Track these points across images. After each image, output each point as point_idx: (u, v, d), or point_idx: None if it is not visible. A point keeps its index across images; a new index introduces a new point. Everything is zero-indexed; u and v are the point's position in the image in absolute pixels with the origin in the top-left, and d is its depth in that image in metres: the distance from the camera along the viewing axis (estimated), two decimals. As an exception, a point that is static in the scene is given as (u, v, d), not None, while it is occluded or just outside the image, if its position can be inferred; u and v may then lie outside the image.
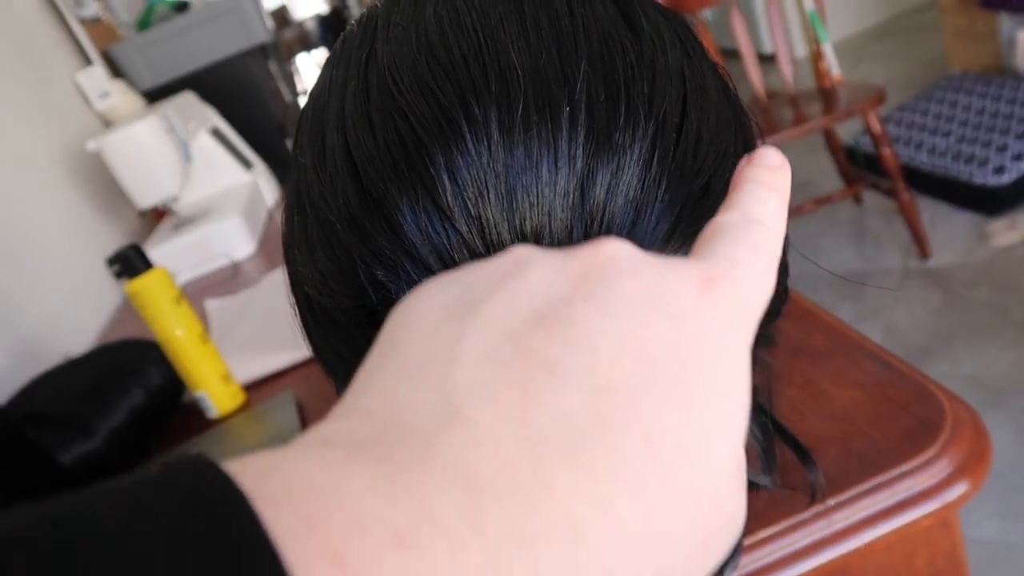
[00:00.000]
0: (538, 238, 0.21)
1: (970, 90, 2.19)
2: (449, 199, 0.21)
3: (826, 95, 1.91)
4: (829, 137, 2.12)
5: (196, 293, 1.21)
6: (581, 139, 0.22)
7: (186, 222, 1.39)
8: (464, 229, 0.21)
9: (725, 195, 0.24)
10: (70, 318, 1.22)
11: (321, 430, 0.15)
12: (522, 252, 0.18)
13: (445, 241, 0.21)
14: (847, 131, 2.39)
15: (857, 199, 2.22)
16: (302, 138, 0.27)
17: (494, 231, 0.21)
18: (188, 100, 1.61)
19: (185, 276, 1.30)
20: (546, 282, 0.17)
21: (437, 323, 0.17)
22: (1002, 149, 1.94)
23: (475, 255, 0.22)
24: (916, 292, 1.79)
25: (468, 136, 0.21)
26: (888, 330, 1.72)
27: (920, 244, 1.88)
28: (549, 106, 0.22)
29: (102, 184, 1.46)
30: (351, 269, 0.23)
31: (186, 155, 1.38)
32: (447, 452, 0.14)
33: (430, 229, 0.21)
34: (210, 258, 1.32)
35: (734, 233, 0.19)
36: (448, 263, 0.22)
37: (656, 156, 0.22)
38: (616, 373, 0.15)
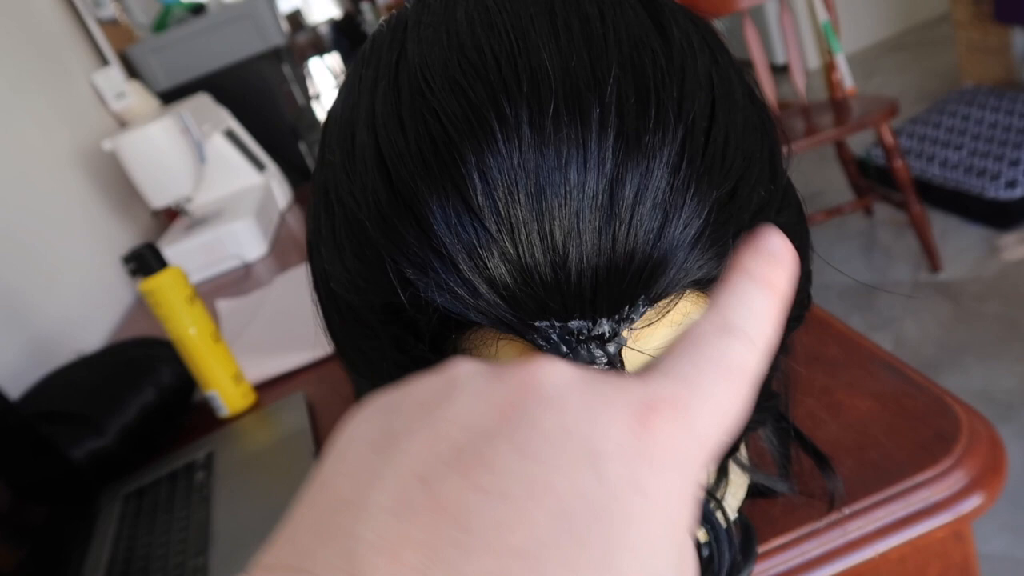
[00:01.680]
0: (565, 240, 0.22)
1: (983, 104, 2.18)
2: (479, 198, 0.21)
3: (838, 106, 1.90)
4: (841, 148, 2.12)
5: (208, 294, 1.22)
6: (611, 141, 0.22)
7: (199, 223, 1.39)
8: (493, 228, 0.21)
9: (751, 200, 0.24)
10: (83, 316, 1.22)
11: None
12: (458, 370, 0.18)
13: (474, 239, 0.22)
14: (859, 143, 2.39)
15: (868, 211, 2.21)
16: (330, 137, 0.27)
17: (523, 231, 0.21)
18: (203, 102, 1.62)
19: (197, 277, 1.31)
20: (472, 410, 0.16)
21: (361, 456, 0.16)
22: (1014, 163, 1.93)
23: (504, 255, 0.22)
24: (926, 305, 1.78)
25: (499, 136, 0.22)
26: (898, 342, 1.71)
27: (931, 257, 1.87)
28: (579, 108, 0.22)
29: (116, 184, 1.47)
30: (380, 267, 0.23)
31: (200, 156, 1.39)
32: None
33: (459, 227, 0.22)
34: (222, 259, 1.33)
35: (702, 347, 0.17)
36: (476, 262, 0.22)
37: (685, 159, 0.22)
38: (527, 532, 0.14)
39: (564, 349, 0.22)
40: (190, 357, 0.78)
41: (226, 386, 0.79)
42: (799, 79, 1.96)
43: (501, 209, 0.21)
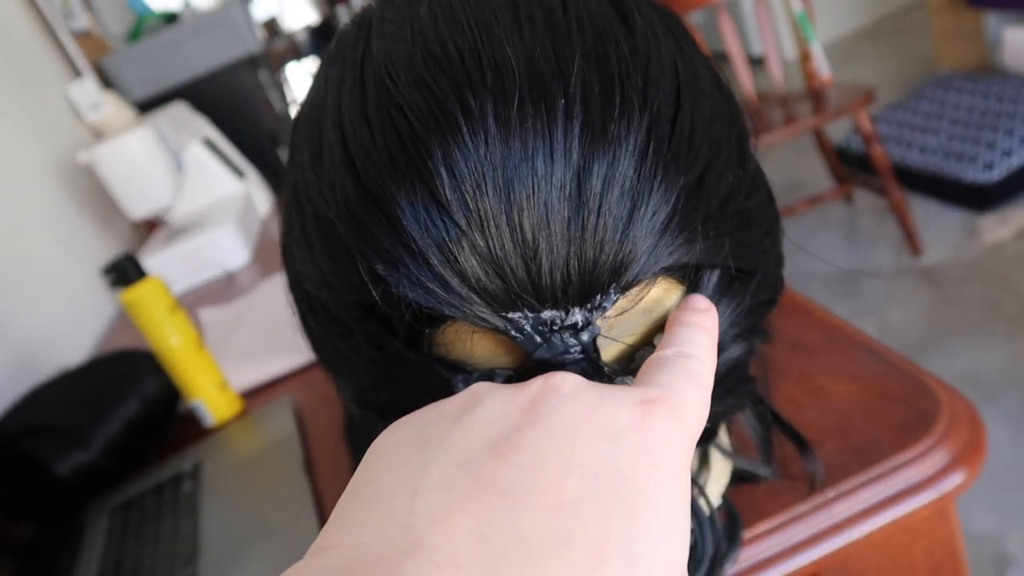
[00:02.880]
0: (535, 231, 0.22)
1: (959, 88, 2.20)
2: (447, 192, 0.21)
3: (816, 95, 1.92)
4: (820, 137, 2.13)
5: (191, 303, 1.21)
6: (577, 131, 0.22)
7: (179, 232, 1.38)
8: (463, 222, 0.21)
9: (720, 186, 0.25)
10: (65, 330, 1.21)
11: (298, 568, 0.16)
12: (478, 387, 0.21)
13: (444, 234, 0.22)
14: (838, 131, 2.40)
15: (848, 198, 2.23)
16: (298, 137, 0.27)
17: (492, 223, 0.21)
18: (180, 111, 1.61)
19: (179, 286, 1.30)
20: (498, 413, 0.19)
21: (403, 457, 0.19)
22: (991, 146, 1.95)
23: (474, 248, 0.22)
24: (909, 290, 1.80)
25: (465, 130, 0.22)
26: (883, 328, 1.72)
27: (911, 242, 1.89)
28: (544, 99, 0.22)
29: (94, 196, 1.46)
30: (351, 265, 0.23)
31: (178, 165, 1.38)
32: None
33: (428, 222, 0.22)
34: (204, 268, 1.32)
35: (670, 364, 0.22)
36: (447, 256, 0.22)
37: (651, 147, 0.22)
38: (564, 492, 0.17)
39: (538, 339, 0.22)
40: (173, 367, 0.77)
41: (211, 395, 0.79)
42: (776, 70, 1.97)
43: (470, 202, 0.21)
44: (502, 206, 0.21)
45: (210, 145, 1.55)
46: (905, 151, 2.15)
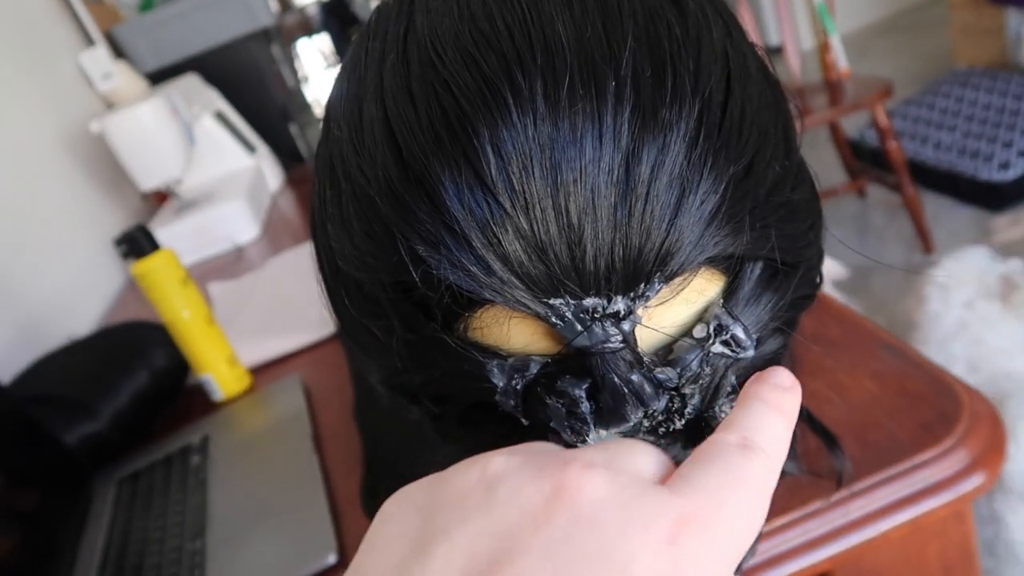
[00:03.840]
0: (581, 216, 0.21)
1: (976, 85, 2.18)
2: (493, 173, 0.21)
3: (833, 88, 1.90)
4: (834, 130, 2.12)
5: (199, 277, 1.21)
6: (627, 115, 0.21)
7: (189, 205, 1.38)
8: (507, 204, 0.21)
9: (767, 176, 0.24)
10: (74, 299, 1.21)
11: None
12: (494, 467, 0.18)
13: (488, 215, 0.21)
14: (853, 125, 2.38)
15: (861, 193, 2.21)
16: (335, 111, 0.26)
17: (538, 207, 0.21)
18: (192, 82, 1.59)
19: (188, 259, 1.30)
20: (507, 519, 0.17)
21: (400, 560, 0.17)
22: (1007, 145, 1.94)
23: (518, 231, 0.21)
24: (920, 288, 1.79)
25: (513, 109, 0.21)
26: (892, 325, 1.72)
27: (924, 239, 1.87)
28: (595, 80, 0.21)
29: (105, 166, 1.45)
30: (390, 244, 0.22)
31: (189, 138, 1.37)
32: None
33: (472, 203, 0.21)
34: (213, 242, 1.32)
35: (726, 460, 0.19)
36: (490, 238, 0.21)
37: (702, 133, 0.22)
38: None
39: (578, 327, 0.22)
40: (183, 340, 0.77)
41: (220, 369, 0.79)
42: (794, 60, 1.95)
43: (515, 184, 0.21)
44: (548, 189, 0.21)
45: (221, 118, 1.54)
46: (920, 147, 2.13)
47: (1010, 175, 1.89)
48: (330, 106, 0.27)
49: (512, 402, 0.24)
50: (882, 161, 1.98)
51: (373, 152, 0.23)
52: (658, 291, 0.22)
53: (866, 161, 2.19)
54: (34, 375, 0.83)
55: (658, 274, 0.22)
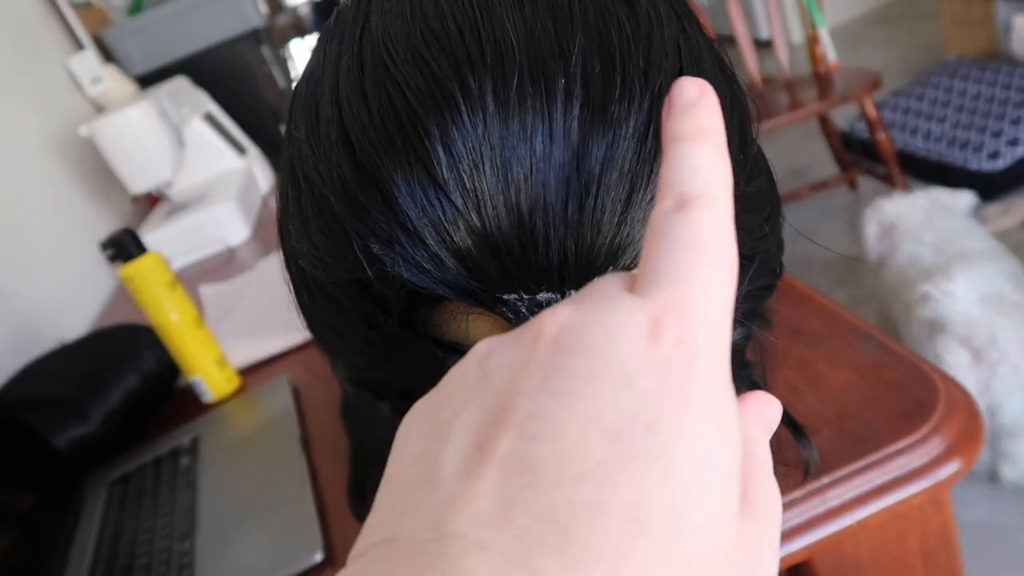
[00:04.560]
0: (532, 212, 0.21)
1: (966, 75, 2.18)
2: (444, 171, 0.21)
3: (822, 80, 1.90)
4: (824, 123, 2.12)
5: (191, 279, 1.21)
6: (576, 112, 0.22)
7: (180, 208, 1.38)
8: (459, 202, 0.21)
9: None
10: (64, 303, 1.21)
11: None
12: (480, 350, 0.19)
13: (440, 213, 0.21)
14: (843, 117, 2.39)
15: (852, 185, 2.22)
16: (296, 113, 0.26)
17: (489, 204, 0.21)
18: (181, 85, 1.60)
19: (180, 262, 1.30)
20: (503, 380, 0.17)
21: (421, 448, 0.18)
22: (997, 135, 1.94)
23: (470, 228, 0.21)
24: (910, 277, 1.79)
25: (463, 108, 0.21)
26: (882, 315, 1.72)
27: (915, 230, 1.88)
28: (544, 78, 0.22)
29: (95, 170, 1.45)
30: (346, 243, 0.23)
31: (179, 140, 1.37)
32: (445, 569, 0.15)
33: (425, 201, 0.21)
34: (205, 244, 1.32)
35: (670, 234, 0.18)
36: (443, 236, 0.21)
37: (652, 129, 0.22)
38: (587, 457, 0.15)
39: None
40: (173, 343, 0.78)
41: (210, 371, 0.79)
42: (783, 54, 1.95)
43: (467, 182, 0.21)
44: (499, 186, 0.21)
45: (211, 120, 1.54)
46: (910, 138, 2.14)
47: (1000, 164, 1.89)
48: (291, 107, 0.27)
49: None
50: (872, 153, 1.98)
51: (329, 153, 0.23)
52: None
53: (857, 153, 2.20)
54: (25, 379, 0.83)
55: (611, 268, 0.22)
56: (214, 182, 1.46)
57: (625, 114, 0.22)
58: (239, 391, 0.81)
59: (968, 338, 1.15)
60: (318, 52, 0.27)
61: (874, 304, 1.57)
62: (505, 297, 0.22)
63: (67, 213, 1.36)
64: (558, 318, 0.18)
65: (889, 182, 1.84)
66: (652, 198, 0.22)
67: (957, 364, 1.15)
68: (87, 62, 1.60)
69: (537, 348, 0.17)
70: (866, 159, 2.10)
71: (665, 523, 0.15)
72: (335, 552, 0.53)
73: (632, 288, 0.18)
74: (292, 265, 0.27)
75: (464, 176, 0.21)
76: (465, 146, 0.21)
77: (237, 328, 0.95)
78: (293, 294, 0.28)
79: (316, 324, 0.27)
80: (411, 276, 0.22)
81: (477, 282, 0.22)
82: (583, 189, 0.21)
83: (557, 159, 0.21)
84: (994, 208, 1.88)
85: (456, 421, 0.17)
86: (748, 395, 0.22)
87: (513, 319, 0.22)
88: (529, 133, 0.21)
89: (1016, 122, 1.94)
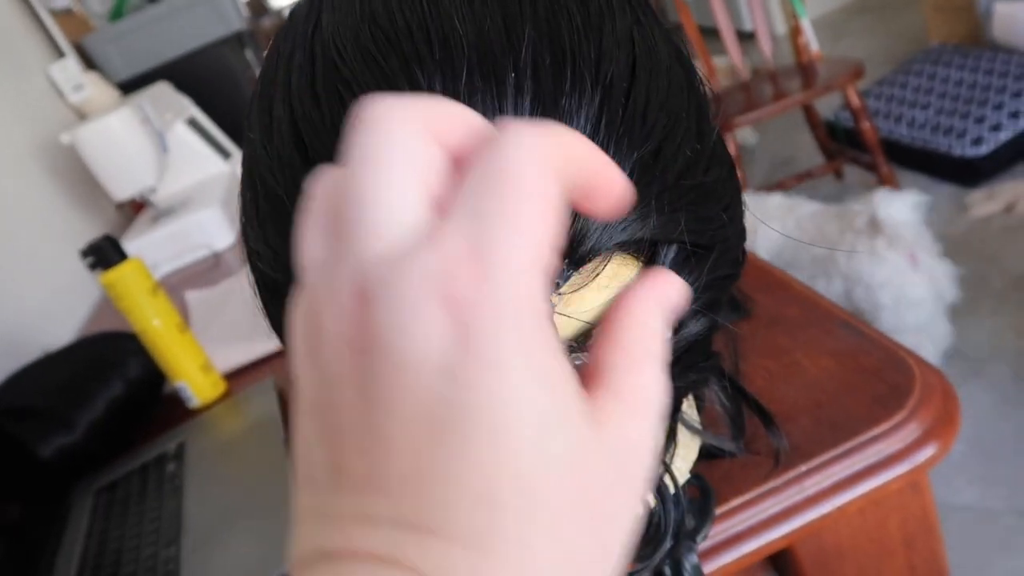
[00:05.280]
0: None
1: (948, 62, 2.19)
2: None
3: (805, 71, 1.91)
4: (809, 112, 2.13)
5: (177, 285, 1.20)
6: (527, 105, 0.22)
7: (165, 214, 1.38)
8: None
9: (677, 159, 0.24)
10: (50, 313, 1.21)
11: None
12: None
13: None
14: (828, 107, 2.40)
15: (838, 174, 2.23)
16: (251, 113, 0.26)
17: None
18: (163, 90, 1.59)
19: (166, 268, 1.30)
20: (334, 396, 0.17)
21: (304, 458, 0.18)
22: (980, 120, 1.95)
23: None
24: (897, 265, 1.80)
25: None
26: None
27: (901, 217, 1.89)
28: (494, 72, 0.22)
29: (79, 178, 1.44)
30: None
31: (162, 146, 1.37)
32: None
33: None
34: (190, 249, 1.31)
35: (476, 167, 0.16)
36: None
37: (604, 120, 0.22)
38: (399, 461, 0.15)
39: None
40: (156, 349, 0.77)
41: (195, 376, 0.79)
42: (766, 45, 1.96)
43: None
44: None
45: (195, 125, 1.54)
46: (894, 126, 2.15)
47: (983, 150, 1.90)
48: (248, 108, 0.27)
49: None
50: (857, 142, 1.99)
51: (282, 153, 0.23)
52: (568, 278, 0.23)
53: (842, 142, 2.21)
54: (8, 389, 0.83)
55: (566, 261, 0.22)
56: (199, 187, 1.46)
57: (576, 106, 0.22)
58: (225, 396, 0.80)
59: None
60: (272, 51, 0.27)
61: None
62: None
63: (52, 222, 1.35)
64: (346, 313, 0.16)
65: (874, 170, 1.84)
66: None
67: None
68: (68, 70, 1.59)
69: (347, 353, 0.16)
70: (851, 148, 2.11)
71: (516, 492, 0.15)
72: (320, 553, 0.53)
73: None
74: (254, 268, 0.27)
75: None
76: None
77: (223, 333, 0.95)
78: (258, 297, 0.28)
79: (280, 326, 0.27)
80: None
81: None
82: None
83: None
84: (978, 194, 1.89)
85: (315, 438, 0.17)
86: (648, 272, 0.21)
87: None
88: None
89: (998, 107, 1.95)
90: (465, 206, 0.16)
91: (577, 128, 0.22)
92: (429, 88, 0.21)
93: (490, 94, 0.21)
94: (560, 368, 0.16)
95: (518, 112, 0.21)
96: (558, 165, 0.16)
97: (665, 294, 0.20)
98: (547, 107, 0.22)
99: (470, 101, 0.21)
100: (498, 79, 0.21)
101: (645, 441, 0.17)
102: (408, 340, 0.15)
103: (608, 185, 0.18)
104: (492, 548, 0.14)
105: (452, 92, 0.21)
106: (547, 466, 0.15)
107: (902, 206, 1.40)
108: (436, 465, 0.15)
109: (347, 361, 0.16)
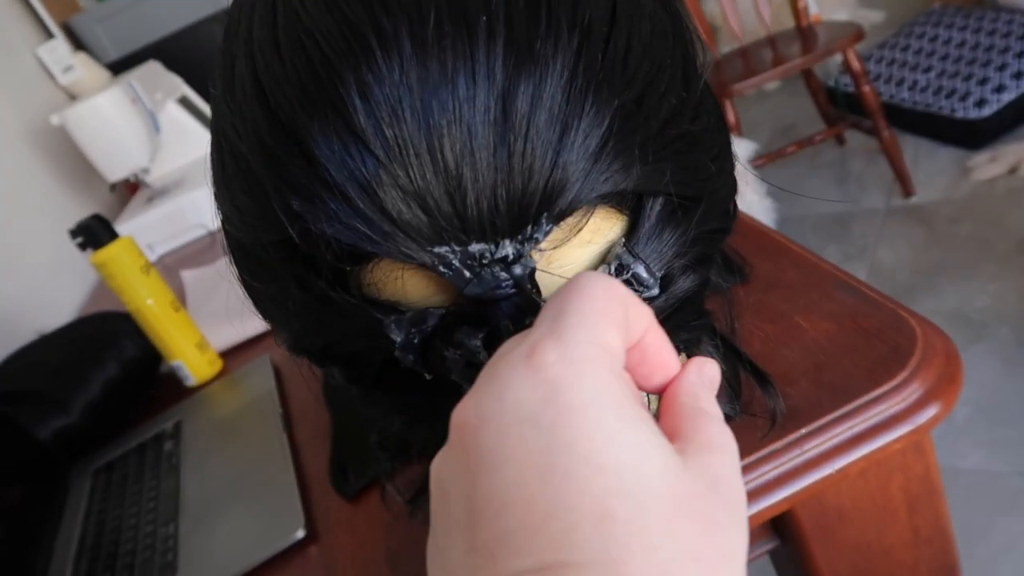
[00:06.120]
0: (458, 159, 0.20)
1: (950, 24, 2.16)
2: (362, 120, 0.20)
3: (804, 34, 1.88)
4: (809, 78, 2.10)
5: (173, 264, 1.20)
6: (500, 51, 0.20)
7: (159, 194, 1.36)
8: (380, 152, 0.20)
9: (661, 108, 0.23)
10: (46, 295, 1.20)
11: None
12: (434, 471, 0.20)
13: (361, 167, 0.20)
14: (829, 72, 2.36)
15: (840, 140, 2.20)
16: (215, 70, 0.25)
17: (411, 152, 0.20)
18: (154, 69, 1.57)
19: (162, 248, 1.29)
20: (457, 490, 0.19)
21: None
22: (983, 82, 1.92)
23: (394, 179, 0.20)
24: (900, 230, 1.79)
25: (378, 52, 0.20)
26: (873, 270, 1.72)
27: (903, 182, 1.87)
28: (465, 16, 0.20)
29: (71, 159, 1.43)
30: (267, 201, 0.22)
31: (154, 125, 1.35)
32: None
33: (344, 154, 0.20)
34: (186, 229, 1.30)
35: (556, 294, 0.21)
36: (366, 189, 0.20)
37: (582, 66, 0.21)
38: (533, 501, 0.18)
39: (467, 275, 0.21)
40: (151, 328, 0.77)
41: (191, 355, 0.78)
42: (764, 9, 1.92)
43: (387, 131, 0.20)
44: (422, 133, 0.20)
45: (187, 104, 1.52)
46: (895, 89, 2.12)
47: (986, 112, 1.88)
48: (212, 66, 0.26)
49: (412, 357, 0.23)
50: (858, 106, 1.96)
51: (244, 107, 0.22)
52: (547, 233, 0.22)
53: (842, 107, 2.18)
54: (4, 372, 0.82)
55: (545, 214, 0.21)
56: (193, 166, 1.45)
57: (552, 51, 0.21)
58: (221, 373, 0.80)
59: None
60: (234, 6, 0.26)
61: (864, 259, 1.57)
62: (436, 250, 0.21)
63: (46, 204, 1.34)
64: (462, 411, 0.19)
65: (876, 135, 1.82)
66: (585, 139, 0.21)
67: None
68: (57, 51, 1.57)
69: (460, 447, 0.19)
70: (852, 113, 2.08)
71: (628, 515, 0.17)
72: (317, 528, 0.53)
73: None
74: (225, 233, 0.26)
75: (383, 124, 0.20)
76: (382, 92, 0.20)
77: (219, 311, 0.94)
78: (232, 262, 0.27)
79: (252, 291, 0.26)
80: (335, 232, 0.21)
81: (405, 236, 0.21)
82: (511, 132, 0.20)
83: (481, 102, 0.20)
84: (981, 156, 1.87)
85: (447, 539, 0.19)
86: (687, 362, 0.23)
87: (447, 272, 0.21)
88: (450, 75, 0.20)
89: (1001, 68, 1.92)
90: (544, 313, 0.20)
91: (554, 74, 0.21)
92: (395, 34, 0.20)
93: (461, 39, 0.20)
94: (641, 413, 0.18)
95: (490, 59, 0.20)
96: (620, 312, 0.20)
97: (707, 373, 0.23)
98: (522, 53, 0.20)
99: (439, 47, 0.20)
100: (469, 24, 0.20)
101: (730, 472, 0.19)
102: (509, 395, 0.18)
103: (659, 358, 0.22)
104: (621, 559, 0.16)
105: (419, 38, 0.20)
106: (648, 479, 0.17)
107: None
108: (552, 504, 0.17)
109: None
